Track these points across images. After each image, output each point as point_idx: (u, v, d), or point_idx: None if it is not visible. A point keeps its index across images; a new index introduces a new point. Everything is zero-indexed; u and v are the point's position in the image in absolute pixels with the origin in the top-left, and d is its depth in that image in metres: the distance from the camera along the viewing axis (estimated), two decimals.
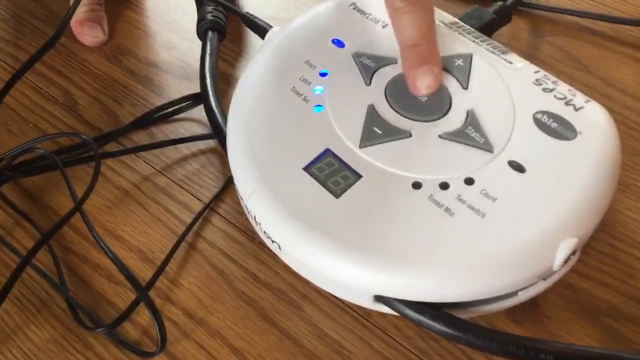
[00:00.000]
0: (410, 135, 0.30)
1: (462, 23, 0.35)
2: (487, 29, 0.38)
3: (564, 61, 0.40)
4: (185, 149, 0.38)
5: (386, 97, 0.32)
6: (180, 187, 0.36)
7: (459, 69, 0.32)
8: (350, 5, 0.36)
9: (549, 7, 0.43)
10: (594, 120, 0.30)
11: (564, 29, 0.42)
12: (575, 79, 0.39)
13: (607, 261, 0.32)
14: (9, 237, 0.34)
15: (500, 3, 0.40)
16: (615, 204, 0.34)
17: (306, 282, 0.31)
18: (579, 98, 0.31)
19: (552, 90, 0.31)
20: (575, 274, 0.31)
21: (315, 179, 0.29)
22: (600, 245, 0.32)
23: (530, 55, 0.40)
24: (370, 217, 0.28)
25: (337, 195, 0.29)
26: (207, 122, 0.37)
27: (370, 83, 0.32)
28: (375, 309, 0.29)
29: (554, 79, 0.32)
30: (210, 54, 0.39)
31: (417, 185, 0.28)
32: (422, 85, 0.31)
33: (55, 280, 0.32)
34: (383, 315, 0.30)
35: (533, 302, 0.30)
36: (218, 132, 0.35)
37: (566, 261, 0.27)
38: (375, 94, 0.32)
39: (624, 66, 0.40)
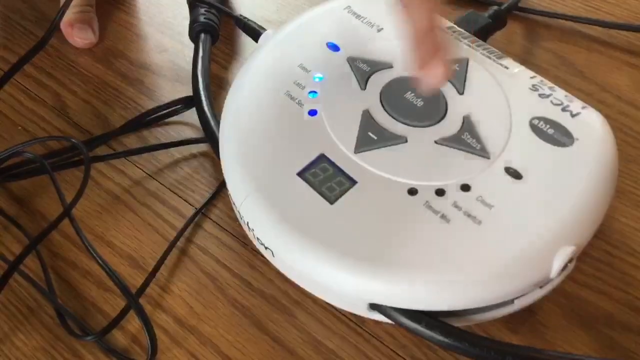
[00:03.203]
0: (406, 141, 0.30)
1: (457, 27, 0.35)
2: (482, 34, 0.37)
3: (559, 66, 0.40)
4: (176, 152, 0.37)
5: (381, 102, 0.31)
6: (172, 191, 0.35)
7: (455, 74, 0.32)
8: (345, 8, 0.35)
9: (544, 11, 0.43)
10: (591, 127, 0.30)
11: (559, 34, 0.42)
12: (570, 84, 0.39)
13: (603, 269, 0.32)
14: None
15: (495, 7, 0.39)
16: (610, 211, 0.33)
17: (300, 289, 0.30)
18: (576, 104, 0.31)
19: (548, 96, 0.31)
20: (571, 282, 0.31)
21: (309, 184, 0.29)
22: (596, 252, 0.32)
23: (525, 60, 0.40)
24: (365, 223, 0.28)
25: (331, 201, 0.28)
26: (199, 126, 0.36)
27: (366, 88, 0.32)
28: (370, 317, 0.28)
29: (550, 84, 0.32)
30: (203, 57, 0.38)
31: (412, 192, 0.28)
32: (436, 74, 0.29)
33: (43, 287, 0.31)
34: (378, 323, 0.30)
35: (529, 310, 0.29)
36: (210, 136, 0.35)
37: (563, 269, 0.27)
38: (370, 98, 0.31)
39: (619, 72, 0.40)
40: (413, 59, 0.29)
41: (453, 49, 0.30)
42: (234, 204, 0.30)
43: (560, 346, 0.29)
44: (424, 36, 0.29)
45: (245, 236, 0.32)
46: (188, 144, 0.37)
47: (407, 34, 0.29)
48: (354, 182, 0.29)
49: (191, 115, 0.38)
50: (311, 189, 0.29)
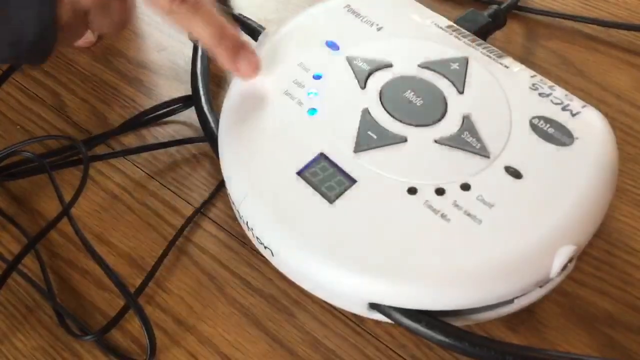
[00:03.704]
0: (406, 140, 0.30)
1: (457, 26, 0.35)
2: (482, 33, 0.37)
3: (558, 65, 0.40)
4: (175, 151, 0.37)
5: (381, 101, 0.31)
6: (171, 191, 0.35)
7: (454, 72, 0.32)
8: (345, 7, 0.35)
9: (544, 11, 0.43)
10: (591, 126, 0.30)
11: (558, 33, 0.42)
12: (570, 83, 0.39)
13: (603, 268, 0.32)
14: None
15: (495, 6, 0.39)
16: (610, 210, 0.33)
17: (299, 289, 0.30)
18: (576, 103, 0.31)
19: (548, 95, 0.31)
20: (570, 281, 0.31)
21: (309, 183, 0.29)
22: (595, 251, 0.32)
23: (524, 59, 0.40)
24: (364, 223, 0.28)
25: (331, 200, 0.28)
26: (198, 125, 0.36)
27: (365, 86, 0.32)
28: (369, 316, 0.28)
29: (550, 83, 0.32)
30: (202, 56, 0.38)
31: (412, 191, 0.28)
32: (247, 69, 0.31)
33: (42, 287, 0.31)
34: (377, 322, 0.30)
35: (528, 309, 0.29)
36: (210, 136, 0.34)
37: (563, 268, 0.27)
38: (370, 97, 0.31)
39: (618, 71, 0.40)
40: (220, 61, 0.31)
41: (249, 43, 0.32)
42: (233, 204, 0.30)
43: (560, 346, 0.29)
44: (220, 38, 0.30)
45: (244, 235, 0.32)
46: (187, 143, 0.37)
47: (202, 41, 0.31)
48: (353, 182, 0.29)
49: (190, 114, 0.38)
50: (311, 188, 0.29)
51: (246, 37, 0.40)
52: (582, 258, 0.32)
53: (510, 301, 0.28)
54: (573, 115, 0.30)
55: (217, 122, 0.34)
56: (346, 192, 0.28)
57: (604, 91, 0.39)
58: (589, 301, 0.31)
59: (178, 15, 0.30)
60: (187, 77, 0.38)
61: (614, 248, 0.32)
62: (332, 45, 0.34)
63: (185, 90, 0.39)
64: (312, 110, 0.31)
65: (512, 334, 0.30)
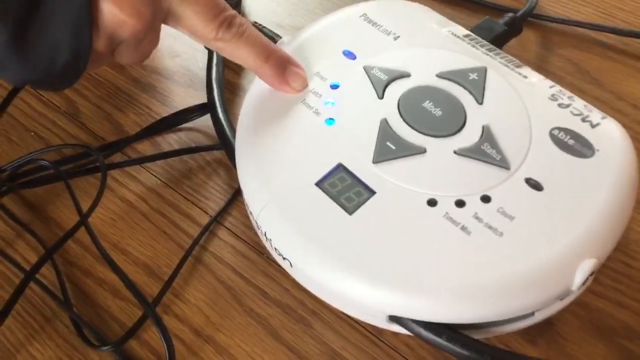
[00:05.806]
0: (425, 151, 0.29)
1: (474, 35, 0.35)
2: (498, 41, 0.37)
3: (574, 74, 0.40)
4: (190, 159, 0.37)
5: (399, 111, 0.31)
6: (186, 199, 0.35)
7: (473, 83, 0.32)
8: (361, 16, 0.35)
9: (559, 19, 0.43)
10: (611, 138, 0.30)
11: (573, 42, 0.42)
12: (585, 92, 0.39)
13: (622, 280, 0.31)
14: (10, 249, 0.33)
15: (511, 14, 0.39)
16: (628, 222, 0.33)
17: (316, 299, 0.30)
18: (595, 114, 0.31)
19: (568, 106, 0.31)
20: (589, 293, 0.31)
21: (327, 195, 0.29)
22: (614, 263, 0.32)
23: (539, 67, 0.40)
24: (384, 234, 0.27)
25: (350, 212, 0.28)
26: (212, 131, 0.36)
27: (383, 96, 0.32)
28: (388, 328, 0.28)
29: (569, 94, 0.31)
30: (217, 64, 0.38)
31: (432, 203, 0.28)
32: (297, 83, 0.32)
33: (59, 296, 0.31)
34: (396, 334, 0.30)
35: (547, 322, 0.29)
36: (226, 144, 0.34)
37: (584, 282, 0.27)
38: (388, 107, 0.31)
39: (634, 80, 0.40)
40: (267, 79, 0.32)
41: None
42: (251, 214, 0.30)
43: (579, 358, 0.29)
44: (267, 56, 0.31)
45: (261, 244, 0.32)
46: (202, 150, 0.37)
47: (248, 63, 0.31)
48: (372, 193, 0.28)
49: (204, 121, 0.38)
50: (329, 199, 0.28)
51: None
52: (601, 269, 0.31)
53: (531, 314, 0.27)
54: (593, 126, 0.30)
55: (233, 131, 0.34)
56: (365, 204, 0.28)
57: (619, 100, 0.39)
58: (608, 313, 0.30)
59: (224, 41, 0.30)
60: (201, 84, 0.38)
61: (632, 260, 0.32)
62: (349, 55, 0.33)
63: (199, 96, 0.39)
64: (330, 120, 0.31)
65: (530, 347, 0.30)
